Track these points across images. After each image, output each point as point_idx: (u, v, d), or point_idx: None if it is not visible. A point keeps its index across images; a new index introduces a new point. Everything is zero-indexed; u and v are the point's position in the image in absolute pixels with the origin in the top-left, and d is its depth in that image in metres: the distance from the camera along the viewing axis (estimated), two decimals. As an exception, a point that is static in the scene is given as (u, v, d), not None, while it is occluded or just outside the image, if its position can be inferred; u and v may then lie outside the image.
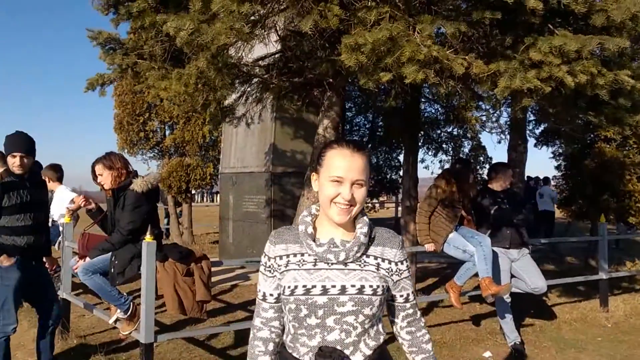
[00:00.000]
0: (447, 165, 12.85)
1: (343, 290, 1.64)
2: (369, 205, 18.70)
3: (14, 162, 4.15)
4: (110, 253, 4.62)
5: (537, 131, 12.23)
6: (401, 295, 1.81)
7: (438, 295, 7.09)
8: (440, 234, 5.47)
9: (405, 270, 1.78)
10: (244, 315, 6.49)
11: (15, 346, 5.04)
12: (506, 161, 7.59)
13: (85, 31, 5.35)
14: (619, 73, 3.86)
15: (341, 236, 1.73)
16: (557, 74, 3.58)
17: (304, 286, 1.66)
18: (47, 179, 6.29)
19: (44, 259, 4.63)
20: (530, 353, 5.45)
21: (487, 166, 13.14)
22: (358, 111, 13.27)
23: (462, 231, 5.52)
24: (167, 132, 14.73)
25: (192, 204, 14.88)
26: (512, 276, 5.54)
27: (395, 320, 1.85)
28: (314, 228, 1.76)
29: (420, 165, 11.73)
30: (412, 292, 1.84)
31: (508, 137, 8.75)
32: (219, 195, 12.84)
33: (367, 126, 13.81)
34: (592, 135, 10.59)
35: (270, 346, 1.80)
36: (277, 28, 5.50)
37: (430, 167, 14.51)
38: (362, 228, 1.72)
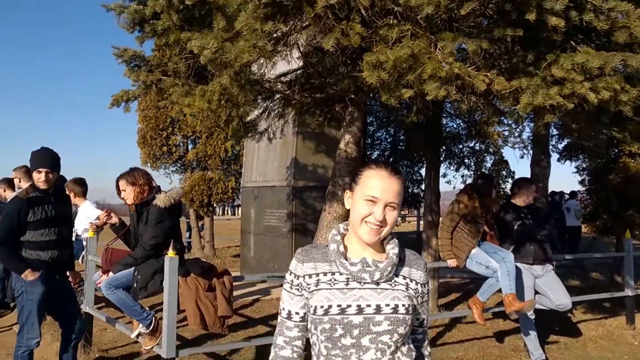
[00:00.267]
0: (469, 180, 12.80)
1: (378, 309, 1.65)
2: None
3: (39, 178, 4.23)
4: (132, 268, 4.67)
5: (560, 146, 12.12)
6: (417, 319, 1.83)
7: (461, 312, 7.04)
8: (462, 250, 5.44)
9: (427, 294, 1.80)
10: (265, 330, 6.50)
11: None
12: (529, 176, 7.51)
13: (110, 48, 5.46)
14: (642, 89, 3.81)
15: (371, 256, 1.74)
16: (580, 90, 3.54)
17: (339, 305, 1.66)
18: (71, 194, 6.38)
19: (68, 273, 4.70)
20: (555, 372, 5.37)
21: (510, 181, 13.04)
22: (380, 125, 13.23)
23: (485, 247, 5.48)
24: (190, 147, 14.92)
25: (214, 217, 14.98)
26: (536, 292, 5.47)
27: None
28: (345, 247, 1.77)
29: (442, 180, 11.67)
30: (427, 319, 1.85)
31: (531, 151, 8.67)
32: (239, 208, 12.90)
33: (388, 140, 13.75)
34: (616, 150, 10.46)
35: (292, 366, 1.80)
36: (299, 45, 5.55)
37: (452, 181, 14.44)
38: (393, 249, 1.74)
